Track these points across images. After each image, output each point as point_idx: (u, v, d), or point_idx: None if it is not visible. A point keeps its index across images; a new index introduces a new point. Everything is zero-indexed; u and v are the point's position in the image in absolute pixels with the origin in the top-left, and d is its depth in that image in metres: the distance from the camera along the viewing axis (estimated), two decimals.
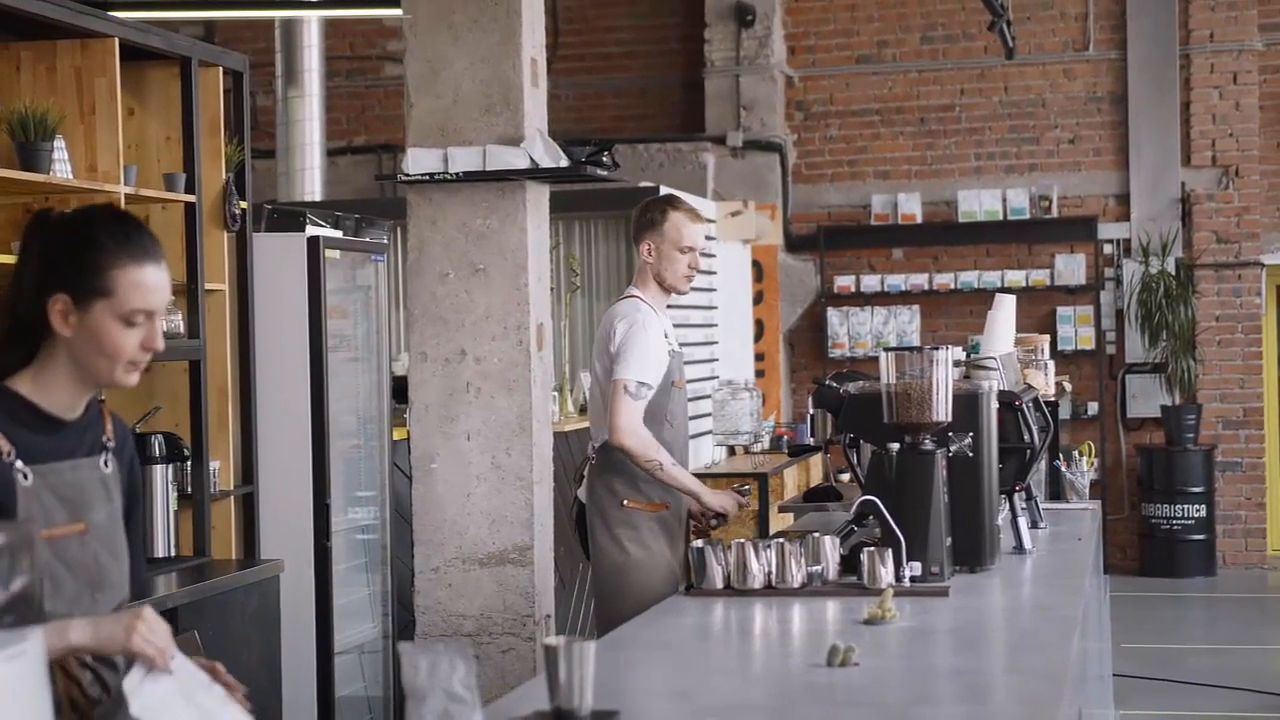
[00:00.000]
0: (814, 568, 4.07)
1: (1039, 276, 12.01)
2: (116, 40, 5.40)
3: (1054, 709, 2.90)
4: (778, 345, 12.13)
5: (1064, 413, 11.50)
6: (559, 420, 7.94)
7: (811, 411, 4.96)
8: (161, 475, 5.43)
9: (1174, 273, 11.79)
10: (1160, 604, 10.90)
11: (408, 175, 5.22)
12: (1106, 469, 11.92)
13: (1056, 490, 6.19)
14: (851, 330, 12.30)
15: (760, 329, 11.84)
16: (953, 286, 12.17)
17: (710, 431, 9.95)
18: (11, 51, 5.41)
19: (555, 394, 7.98)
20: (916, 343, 12.00)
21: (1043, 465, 5.96)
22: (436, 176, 5.18)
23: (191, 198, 5.73)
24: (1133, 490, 12.01)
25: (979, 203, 12.18)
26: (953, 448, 4.30)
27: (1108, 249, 12.15)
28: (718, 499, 5.17)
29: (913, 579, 4.06)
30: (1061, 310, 12.05)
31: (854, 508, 4.22)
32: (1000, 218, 12.16)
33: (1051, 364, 6.47)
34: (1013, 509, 4.84)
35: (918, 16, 12.44)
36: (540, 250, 5.34)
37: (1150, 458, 11.78)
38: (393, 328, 8.05)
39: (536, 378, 5.25)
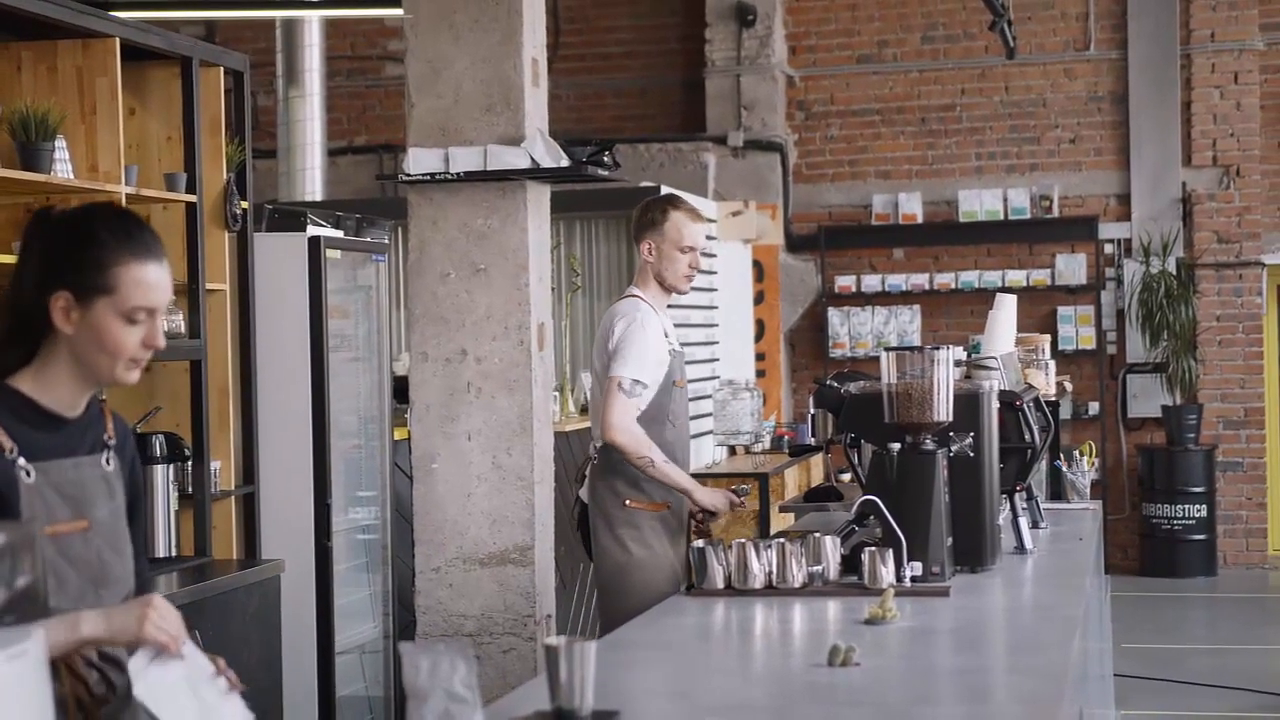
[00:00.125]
0: (815, 568, 4.07)
1: (1040, 276, 12.01)
2: (117, 40, 5.40)
3: (1055, 709, 2.90)
4: (778, 345, 12.13)
5: (1065, 413, 11.50)
6: (560, 420, 7.94)
7: (812, 411, 4.95)
8: (162, 475, 5.43)
9: (1175, 272, 11.78)
10: (1161, 604, 10.90)
11: (408, 175, 5.22)
12: (1107, 469, 11.92)
13: (1057, 490, 6.19)
14: (852, 330, 12.30)
15: (761, 329, 11.84)
16: (953, 286, 12.17)
17: (711, 431, 9.95)
18: (12, 51, 5.41)
19: (556, 394, 7.98)
20: (917, 343, 11.99)
21: (1043, 465, 5.96)
22: (437, 176, 5.18)
23: (192, 198, 5.73)
24: (1133, 490, 12.01)
25: (980, 202, 12.18)
26: (954, 448, 4.30)
27: (1108, 249, 12.15)
28: (709, 497, 5.17)
29: (913, 579, 4.06)
30: (1062, 310, 12.05)
31: (855, 508, 4.21)
32: (1001, 217, 12.16)
33: (1052, 364, 6.47)
34: (1013, 509, 4.84)
35: (918, 16, 12.44)
36: (541, 250, 5.34)
37: (1151, 458, 11.78)
38: (393, 328, 8.05)
39: (537, 378, 5.25)
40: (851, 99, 12.53)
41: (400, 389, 6.32)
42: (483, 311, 5.22)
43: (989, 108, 12.37)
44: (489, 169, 5.15)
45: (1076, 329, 12.04)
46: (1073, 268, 12.01)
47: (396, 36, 12.49)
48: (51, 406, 2.67)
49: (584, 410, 8.07)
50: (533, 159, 5.11)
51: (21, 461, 2.59)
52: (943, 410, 4.20)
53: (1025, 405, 4.87)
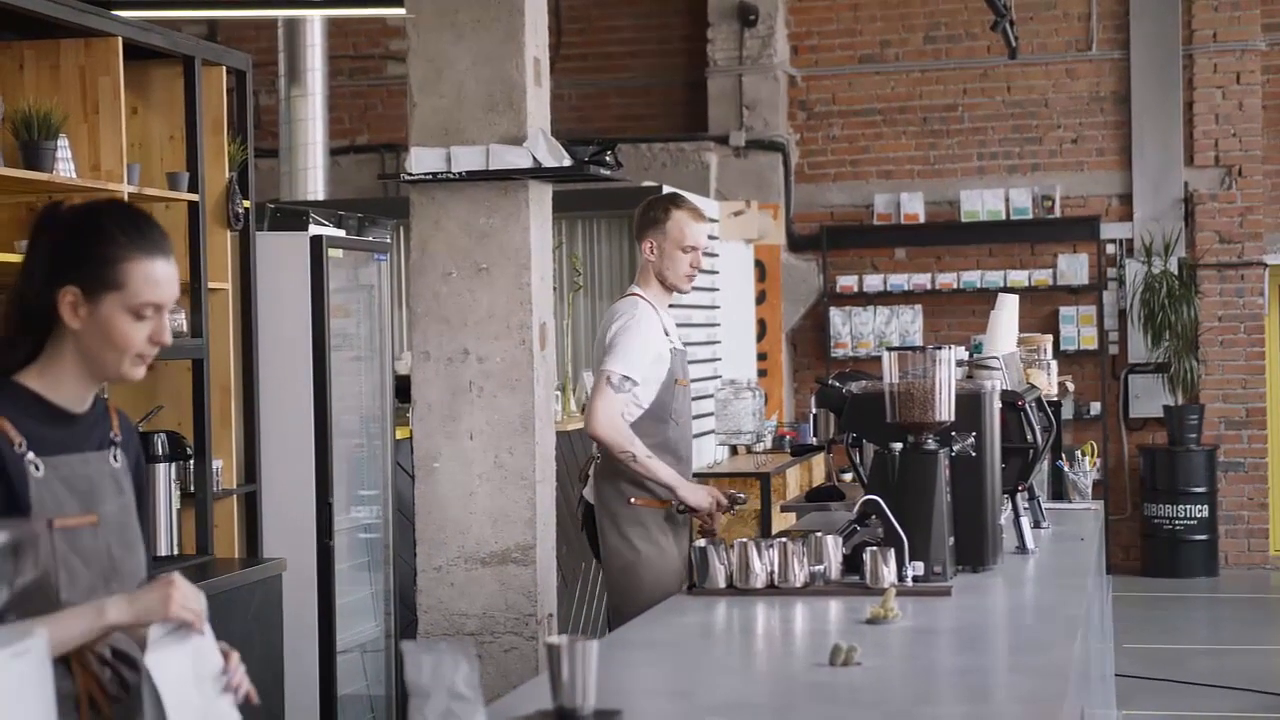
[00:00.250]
0: (816, 567, 4.07)
1: (1042, 276, 12.00)
2: (120, 39, 5.40)
3: (1057, 709, 2.90)
4: (780, 345, 12.13)
5: (1066, 413, 11.49)
6: (561, 420, 7.94)
7: (814, 411, 4.95)
8: (164, 474, 5.43)
9: (1177, 273, 11.78)
10: (1162, 604, 10.90)
11: (411, 174, 5.22)
12: (1109, 469, 11.91)
13: (1059, 490, 6.19)
14: (854, 330, 12.30)
15: (763, 329, 11.84)
16: (955, 286, 12.17)
17: (713, 431, 9.95)
18: (15, 50, 5.41)
19: (558, 393, 7.98)
20: (919, 342, 11.99)
21: (1045, 465, 5.96)
22: (439, 176, 5.18)
23: (194, 197, 5.73)
24: (1135, 490, 12.01)
25: (982, 202, 12.18)
26: (955, 447, 4.30)
27: (1110, 249, 12.14)
28: (693, 495, 5.16)
29: (915, 579, 4.06)
30: (1064, 310, 12.05)
31: (856, 507, 4.21)
32: (1003, 217, 12.15)
33: (1054, 364, 6.47)
34: (1015, 509, 4.84)
35: (921, 16, 12.44)
36: (543, 249, 5.34)
37: (1153, 458, 11.77)
38: (395, 327, 8.05)
39: (539, 377, 5.25)
40: (853, 99, 12.53)
41: (402, 388, 6.33)
42: (484, 311, 5.22)
43: (991, 108, 12.36)
44: (491, 168, 5.14)
45: (1078, 329, 12.04)
46: (1075, 268, 12.01)
47: (399, 36, 12.49)
48: (59, 402, 2.68)
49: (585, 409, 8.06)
50: (535, 159, 5.11)
51: (31, 456, 2.60)
52: (945, 410, 4.20)
53: (1027, 405, 4.87)
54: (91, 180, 5.30)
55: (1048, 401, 5.36)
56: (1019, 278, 11.96)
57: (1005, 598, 4.23)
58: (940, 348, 4.25)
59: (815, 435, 4.96)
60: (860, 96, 12.52)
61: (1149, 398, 11.98)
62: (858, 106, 12.52)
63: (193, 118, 5.76)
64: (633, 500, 5.16)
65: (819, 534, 4.13)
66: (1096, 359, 12.06)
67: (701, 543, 4.14)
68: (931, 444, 4.20)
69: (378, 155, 12.73)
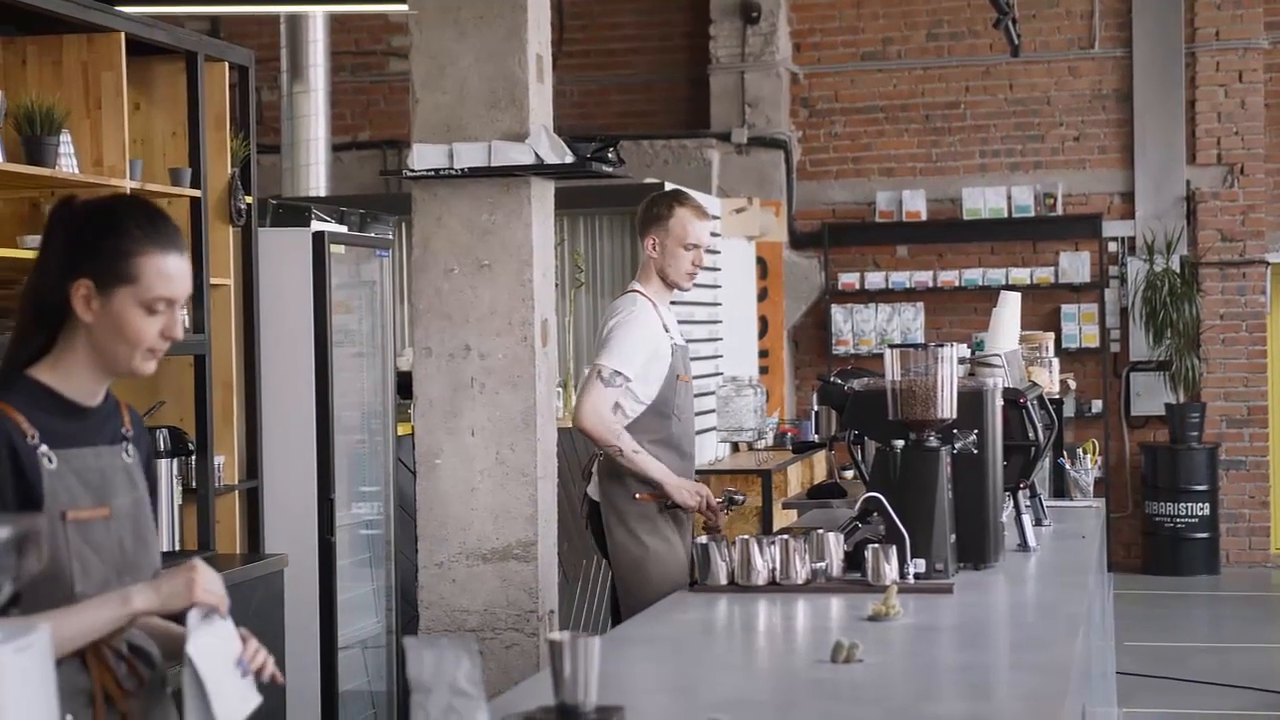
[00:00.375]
0: (818, 564, 4.07)
1: (1043, 274, 12.00)
2: (122, 35, 5.40)
3: (1058, 706, 2.91)
4: (782, 342, 12.13)
5: (1068, 410, 11.47)
6: (563, 416, 7.94)
7: (816, 408, 4.96)
8: (166, 470, 5.43)
9: (1178, 271, 11.78)
10: (1164, 602, 10.90)
11: (413, 171, 5.22)
12: (1110, 467, 11.91)
13: (1060, 488, 6.19)
14: (856, 327, 12.30)
15: (764, 326, 11.84)
16: (957, 284, 12.16)
17: (714, 428, 9.95)
18: (18, 46, 5.41)
19: (560, 390, 7.98)
20: (921, 340, 11.99)
21: (1047, 463, 5.96)
22: (441, 172, 5.18)
23: (197, 192, 5.73)
24: (1136, 488, 12.00)
25: (984, 200, 12.18)
26: (957, 445, 4.30)
27: (1112, 247, 12.14)
28: (680, 493, 5.16)
29: (917, 576, 4.06)
30: (1066, 308, 12.04)
31: (858, 504, 4.21)
32: (1005, 215, 12.15)
33: (1056, 361, 6.47)
34: (1017, 506, 4.84)
35: (923, 13, 12.44)
36: (545, 246, 5.34)
37: (1154, 456, 11.77)
38: (397, 323, 8.05)
39: (541, 373, 5.25)
40: (856, 96, 12.52)
41: (404, 384, 6.32)
42: (486, 307, 5.22)
43: (993, 105, 12.36)
44: (493, 165, 5.14)
45: (1080, 327, 12.04)
46: (1076, 266, 12.01)
47: (401, 32, 12.49)
48: (71, 396, 2.69)
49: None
50: (537, 155, 5.11)
51: (44, 449, 2.61)
52: (946, 407, 4.20)
53: (1029, 403, 4.87)
54: (94, 176, 5.30)
55: (1049, 399, 5.36)
56: (1021, 275, 11.96)
57: (1007, 595, 4.23)
58: (942, 345, 4.25)
59: (817, 432, 4.97)
60: (862, 94, 12.52)
61: (1150, 396, 11.98)
62: (860, 104, 12.52)
63: (195, 113, 5.76)
64: (638, 495, 5.16)
65: (821, 531, 4.14)
66: (1098, 357, 12.06)
67: (703, 539, 4.15)
68: (933, 441, 4.20)
69: (380, 151, 12.73)
